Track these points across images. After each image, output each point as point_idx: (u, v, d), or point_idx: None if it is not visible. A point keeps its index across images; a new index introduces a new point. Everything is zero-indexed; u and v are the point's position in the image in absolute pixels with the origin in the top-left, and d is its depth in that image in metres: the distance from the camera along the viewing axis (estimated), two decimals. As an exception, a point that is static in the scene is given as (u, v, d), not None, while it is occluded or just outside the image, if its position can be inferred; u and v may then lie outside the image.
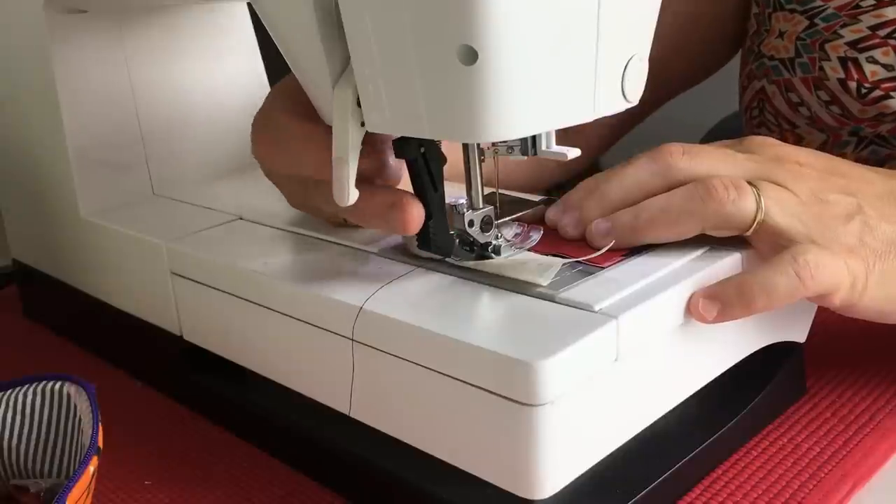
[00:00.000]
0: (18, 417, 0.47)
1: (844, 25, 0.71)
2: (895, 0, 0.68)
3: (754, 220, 0.43)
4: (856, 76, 0.70)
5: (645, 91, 0.43)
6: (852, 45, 0.70)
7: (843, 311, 0.45)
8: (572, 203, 0.48)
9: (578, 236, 0.47)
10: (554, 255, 0.45)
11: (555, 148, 0.45)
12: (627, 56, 0.41)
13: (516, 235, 0.48)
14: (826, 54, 0.72)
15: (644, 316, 0.40)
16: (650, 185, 0.46)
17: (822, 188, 0.45)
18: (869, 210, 0.45)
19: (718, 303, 0.42)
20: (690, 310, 0.42)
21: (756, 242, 0.45)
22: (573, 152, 0.45)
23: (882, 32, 0.69)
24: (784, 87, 0.76)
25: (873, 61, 0.70)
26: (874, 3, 0.69)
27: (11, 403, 0.47)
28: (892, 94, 0.69)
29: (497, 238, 0.47)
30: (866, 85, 0.70)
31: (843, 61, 0.71)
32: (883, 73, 0.69)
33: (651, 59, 0.42)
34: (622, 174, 0.47)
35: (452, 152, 0.46)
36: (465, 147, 0.46)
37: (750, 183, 0.44)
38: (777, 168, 0.46)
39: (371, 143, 0.45)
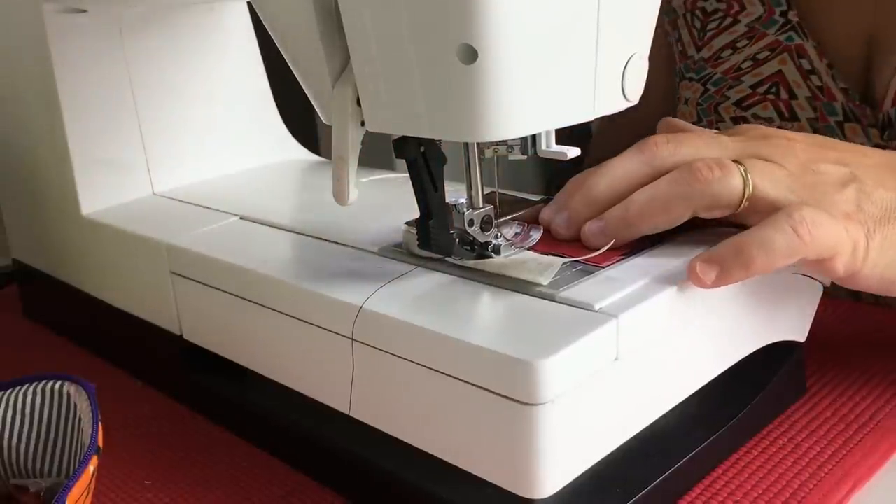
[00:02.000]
0: (18, 417, 0.47)
1: (731, 87, 0.77)
2: (768, 59, 0.75)
3: (743, 195, 0.43)
4: None
5: None
6: (738, 104, 0.77)
7: (847, 282, 0.45)
8: (562, 202, 0.48)
9: (570, 235, 0.47)
10: (554, 255, 0.45)
11: (555, 147, 0.45)
12: (627, 55, 0.41)
13: (516, 235, 0.48)
14: (720, 116, 0.78)
15: (644, 315, 0.40)
16: (636, 176, 0.46)
17: (814, 159, 0.45)
18: (864, 178, 0.45)
19: (716, 265, 0.41)
20: (689, 276, 0.42)
21: (749, 220, 0.45)
22: (573, 152, 0.45)
23: (761, 89, 0.76)
24: None
25: (757, 117, 0.76)
26: (752, 63, 0.76)
27: (11, 403, 0.47)
28: None
29: (497, 237, 0.47)
30: None
31: (735, 121, 0.77)
32: None
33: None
34: (608, 168, 0.47)
35: None
36: (465, 146, 0.46)
37: (737, 162, 0.44)
38: (765, 145, 0.46)
39: None
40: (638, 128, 0.75)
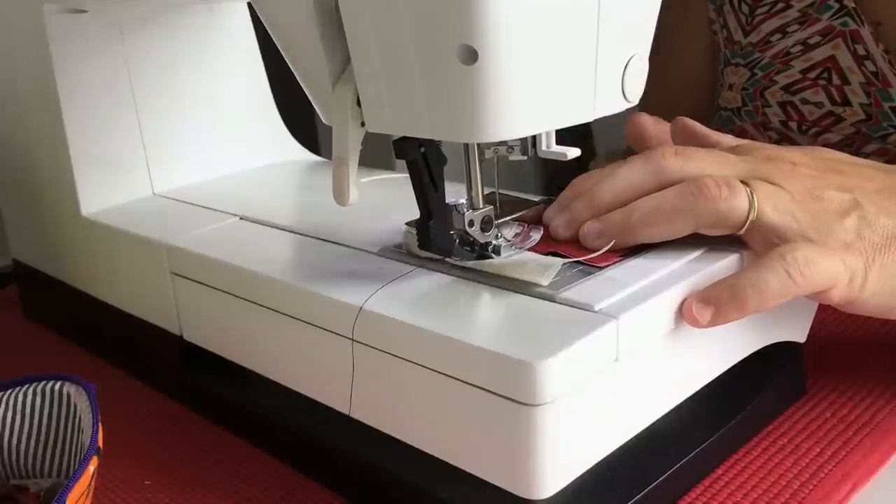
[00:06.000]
0: (18, 417, 0.47)
1: (779, 72, 0.77)
2: (820, 43, 0.74)
3: (747, 218, 0.43)
4: (795, 117, 0.76)
5: None
6: (786, 88, 0.77)
7: (844, 308, 0.45)
8: (564, 203, 0.48)
9: (569, 237, 0.47)
10: (554, 255, 0.45)
11: (555, 148, 0.45)
12: (627, 56, 0.41)
13: (516, 235, 0.48)
14: (766, 101, 0.78)
15: (644, 316, 0.40)
16: (642, 186, 0.46)
17: (817, 186, 0.45)
18: (867, 205, 0.45)
19: (712, 306, 0.42)
20: (684, 314, 0.42)
21: (750, 241, 0.45)
22: (573, 152, 0.45)
23: (812, 74, 0.75)
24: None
25: (806, 102, 0.76)
26: (802, 48, 0.75)
27: (11, 403, 0.47)
28: (831, 129, 0.75)
29: (497, 238, 0.47)
30: (806, 124, 0.76)
31: (783, 105, 0.77)
32: (817, 112, 0.75)
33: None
34: (614, 175, 0.47)
35: None
36: (466, 147, 0.46)
37: (743, 182, 0.44)
38: (770, 167, 0.46)
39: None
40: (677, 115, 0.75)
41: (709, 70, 0.88)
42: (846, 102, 0.73)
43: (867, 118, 0.73)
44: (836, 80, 0.74)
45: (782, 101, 0.77)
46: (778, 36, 0.77)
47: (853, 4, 0.72)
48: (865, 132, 0.73)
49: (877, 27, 0.72)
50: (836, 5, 0.73)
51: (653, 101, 0.46)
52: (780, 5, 0.77)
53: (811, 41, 0.75)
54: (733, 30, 0.82)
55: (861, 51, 0.72)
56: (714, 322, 0.42)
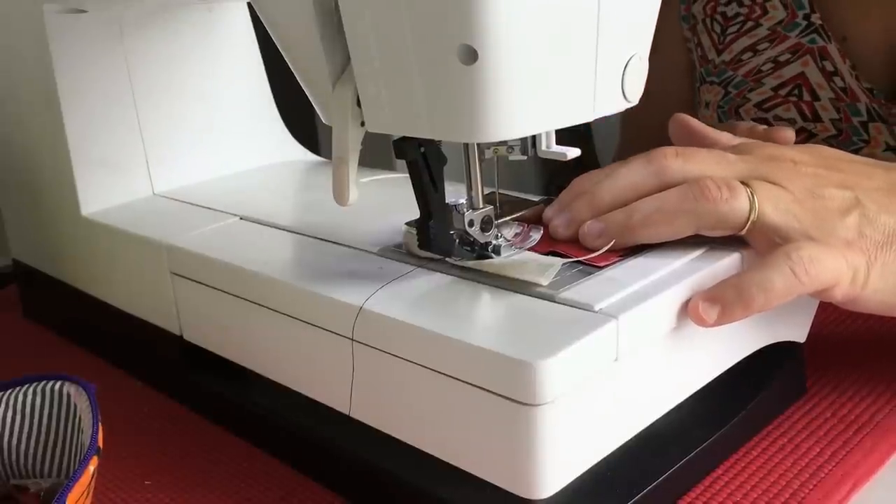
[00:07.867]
0: (18, 417, 0.47)
1: (751, 90, 0.79)
2: (790, 61, 0.75)
3: (748, 218, 0.43)
4: None
5: None
6: (759, 105, 0.78)
7: (846, 306, 0.45)
8: (564, 203, 0.48)
9: (569, 236, 0.47)
10: (554, 255, 0.45)
11: (555, 148, 0.45)
12: (627, 56, 0.41)
13: (516, 235, 0.48)
14: (741, 118, 0.79)
15: (644, 316, 0.40)
16: (643, 186, 0.46)
17: (818, 184, 0.45)
18: (868, 203, 0.45)
19: (718, 305, 0.42)
20: (690, 314, 0.42)
21: (752, 241, 0.45)
22: (573, 152, 0.45)
23: (783, 91, 0.77)
24: None
25: (779, 119, 0.77)
26: (772, 65, 0.77)
27: (11, 403, 0.47)
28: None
29: (497, 238, 0.47)
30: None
31: (756, 122, 0.76)
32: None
33: None
34: (615, 175, 0.47)
35: None
36: (466, 147, 0.46)
37: (744, 183, 0.44)
38: (771, 167, 0.46)
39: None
40: (658, 133, 0.76)
41: (687, 88, 0.89)
42: (817, 118, 0.74)
43: (838, 133, 0.74)
44: (806, 97, 0.75)
45: (756, 118, 0.78)
46: (749, 54, 0.78)
47: (820, 21, 0.73)
48: (837, 147, 0.74)
49: (843, 42, 0.73)
50: (804, 23, 0.74)
51: (633, 117, 0.46)
52: (750, 24, 0.79)
53: (781, 58, 0.76)
54: (707, 48, 0.83)
55: (829, 67, 0.73)
56: (720, 321, 0.42)
